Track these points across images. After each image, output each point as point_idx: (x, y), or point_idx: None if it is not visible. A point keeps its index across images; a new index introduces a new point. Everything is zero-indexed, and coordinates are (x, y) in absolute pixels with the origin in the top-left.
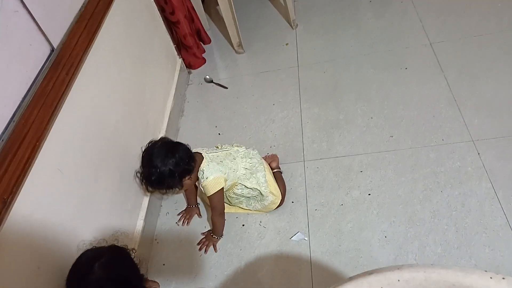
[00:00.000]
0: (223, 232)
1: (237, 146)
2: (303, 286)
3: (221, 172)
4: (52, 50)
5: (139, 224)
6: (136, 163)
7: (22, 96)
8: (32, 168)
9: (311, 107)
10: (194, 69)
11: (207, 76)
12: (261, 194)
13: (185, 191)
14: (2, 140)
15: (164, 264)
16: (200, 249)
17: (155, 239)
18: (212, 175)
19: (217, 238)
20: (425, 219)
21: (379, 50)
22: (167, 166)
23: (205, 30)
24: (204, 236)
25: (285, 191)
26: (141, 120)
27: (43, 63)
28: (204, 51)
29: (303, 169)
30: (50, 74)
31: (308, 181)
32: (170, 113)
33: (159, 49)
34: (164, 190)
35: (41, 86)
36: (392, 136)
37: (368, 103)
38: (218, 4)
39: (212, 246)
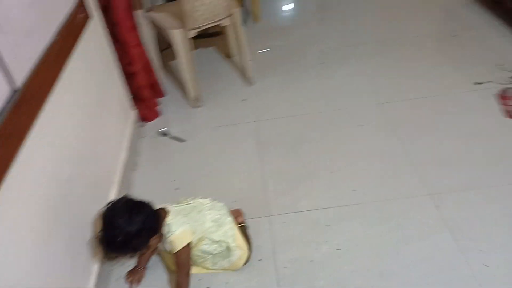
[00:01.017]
0: None
1: (202, 198)
2: None
3: (189, 225)
4: (15, 91)
5: None
6: (87, 222)
7: None
8: None
9: (273, 161)
10: (148, 121)
11: (163, 129)
12: (229, 249)
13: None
14: None
15: None
16: None
17: None
18: (179, 229)
19: None
20: (396, 273)
21: (334, 108)
22: (133, 225)
23: (160, 84)
24: None
25: (251, 245)
26: (94, 174)
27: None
28: (158, 105)
29: (268, 224)
30: (10, 116)
31: (274, 237)
32: (124, 167)
33: (114, 99)
34: (129, 255)
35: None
36: (354, 190)
37: (329, 157)
38: (172, 60)
39: None
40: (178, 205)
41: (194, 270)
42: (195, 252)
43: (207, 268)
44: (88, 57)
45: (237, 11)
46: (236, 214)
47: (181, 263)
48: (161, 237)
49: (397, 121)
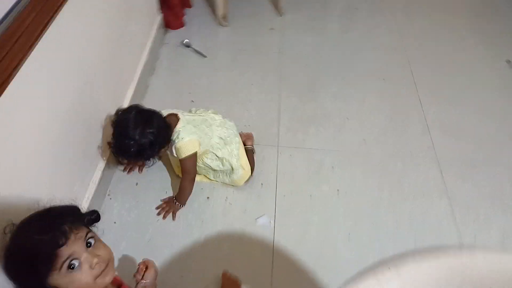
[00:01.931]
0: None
1: (213, 113)
2: (262, 271)
3: (197, 135)
4: None
5: (97, 175)
6: (102, 119)
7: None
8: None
9: (290, 96)
10: (172, 29)
11: (186, 40)
12: (232, 167)
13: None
14: None
15: (115, 223)
16: (158, 213)
17: (108, 194)
18: (187, 137)
19: (180, 206)
20: (388, 225)
21: (361, 58)
22: (147, 137)
23: None
24: (164, 202)
25: (254, 167)
26: (116, 71)
27: None
28: (184, 15)
29: (276, 154)
30: None
31: (279, 167)
32: (142, 70)
33: None
34: (142, 162)
35: None
36: (364, 140)
37: (345, 104)
38: None
39: (171, 213)
40: (190, 114)
41: (197, 178)
42: (199, 163)
43: (209, 178)
44: None
45: None
46: (246, 137)
47: (186, 170)
48: (169, 143)
49: (421, 83)
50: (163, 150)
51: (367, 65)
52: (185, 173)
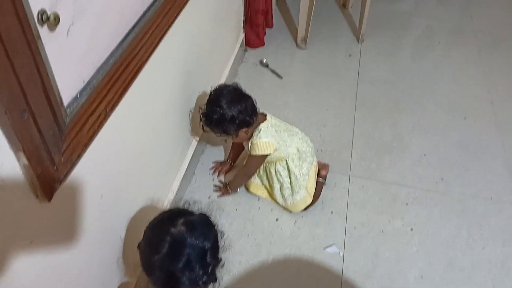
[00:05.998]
0: (238, 190)
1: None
2: None
3: (275, 140)
4: None
5: (175, 184)
6: (184, 113)
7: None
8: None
9: (365, 123)
10: (252, 48)
11: (265, 60)
12: (297, 185)
13: (232, 144)
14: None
15: None
16: (215, 190)
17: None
18: (266, 138)
19: (231, 192)
20: (464, 268)
21: (442, 90)
22: (231, 110)
23: (272, 14)
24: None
25: (318, 199)
26: (203, 78)
27: None
28: (265, 34)
29: (347, 182)
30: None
31: (351, 196)
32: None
33: (233, 14)
34: (219, 133)
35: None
36: (442, 179)
37: (424, 138)
38: None
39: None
40: (278, 120)
41: (258, 191)
42: (270, 168)
43: (270, 195)
44: None
45: None
46: (322, 167)
47: (249, 166)
48: (250, 134)
49: (504, 126)
50: (242, 133)
51: (448, 100)
52: (246, 167)
